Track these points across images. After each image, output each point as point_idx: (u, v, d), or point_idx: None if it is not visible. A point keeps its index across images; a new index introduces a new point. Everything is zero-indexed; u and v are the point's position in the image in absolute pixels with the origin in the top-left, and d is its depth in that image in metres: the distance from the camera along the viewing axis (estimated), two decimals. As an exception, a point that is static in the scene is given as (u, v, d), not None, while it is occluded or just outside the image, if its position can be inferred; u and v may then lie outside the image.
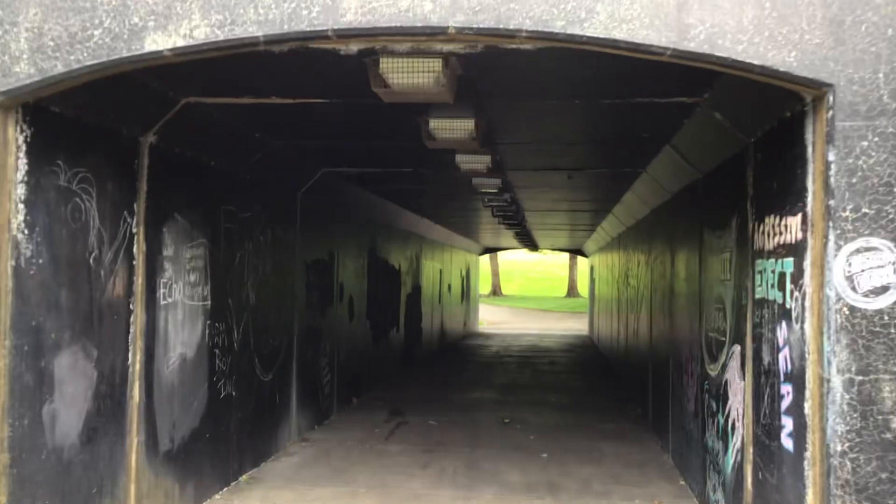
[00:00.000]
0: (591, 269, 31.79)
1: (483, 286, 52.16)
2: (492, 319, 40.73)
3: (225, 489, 8.42)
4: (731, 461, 6.83)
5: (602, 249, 24.35)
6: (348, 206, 13.28)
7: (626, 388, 15.91)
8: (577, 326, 37.53)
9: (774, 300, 5.50)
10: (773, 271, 5.56)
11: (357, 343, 14.32)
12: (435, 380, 17.41)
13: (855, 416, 4.39)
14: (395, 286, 17.90)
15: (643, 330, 13.51)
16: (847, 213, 4.45)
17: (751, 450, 6.15)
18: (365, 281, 14.94)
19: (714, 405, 7.57)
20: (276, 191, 10.00)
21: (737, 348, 6.74)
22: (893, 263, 4.39)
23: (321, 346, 12.08)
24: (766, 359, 5.69)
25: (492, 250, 37.47)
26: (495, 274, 61.04)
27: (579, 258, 52.45)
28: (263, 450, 9.63)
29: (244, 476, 8.90)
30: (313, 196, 11.32)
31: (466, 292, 31.72)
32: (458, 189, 13.35)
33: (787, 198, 5.21)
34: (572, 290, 59.83)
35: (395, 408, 13.62)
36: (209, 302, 8.04)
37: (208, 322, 8.03)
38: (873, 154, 4.45)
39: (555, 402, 14.70)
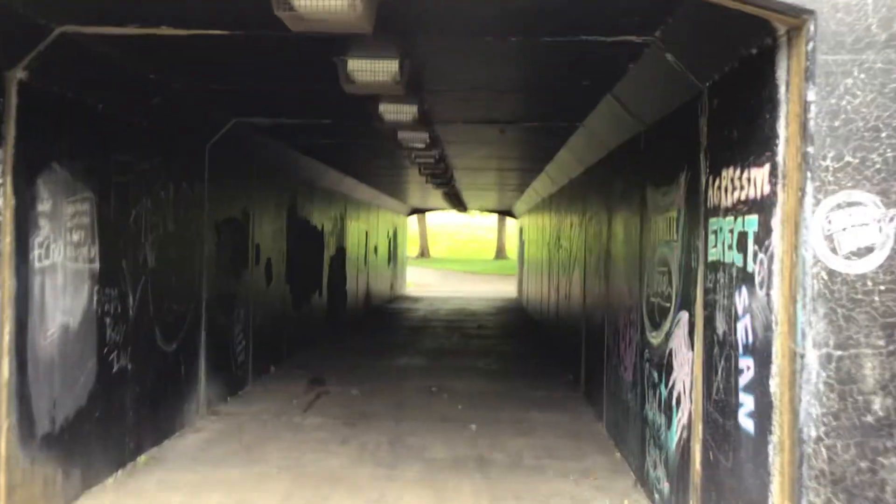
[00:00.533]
0: (521, 230, 31.35)
1: (411, 248, 51.49)
2: (420, 282, 40.11)
3: (119, 472, 7.56)
4: (676, 437, 6.29)
5: (532, 211, 23.84)
6: (265, 161, 12.33)
7: (558, 353, 15.45)
8: (505, 289, 37.19)
9: (732, 263, 4.90)
10: (730, 231, 4.96)
11: (275, 308, 13.46)
12: (360, 345, 16.68)
13: (832, 396, 3.81)
14: (317, 248, 17.02)
15: (576, 294, 13.00)
16: (828, 161, 3.83)
17: (700, 427, 5.59)
18: (284, 242, 14.04)
19: (656, 375, 7.02)
20: (180, 142, 9.03)
21: (684, 315, 6.17)
22: (879, 220, 3.80)
23: (235, 312, 11.20)
24: (721, 328, 5.11)
25: (420, 211, 36.70)
26: (423, 236, 60.40)
27: (508, 220, 52.17)
28: (167, 426, 8.77)
29: (142, 457, 8.04)
30: (224, 149, 10.36)
31: (394, 254, 30.96)
32: (383, 145, 12.52)
33: (752, 147, 4.58)
34: (500, 253, 59.61)
35: (316, 376, 12.84)
36: (97, 264, 7.10)
37: (97, 287, 7.10)
38: (859, 94, 3.83)
39: (483, 368, 14.14)
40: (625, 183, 8.74)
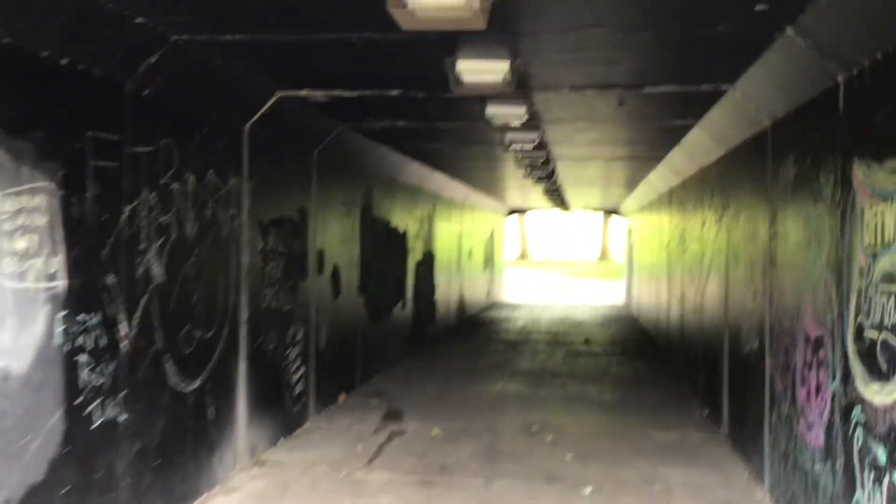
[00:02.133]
0: (629, 231, 28.59)
1: (510, 250, 49.16)
2: (519, 287, 37.72)
3: (104, 565, 5.55)
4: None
5: (645, 208, 21.15)
6: (329, 148, 10.26)
7: (685, 378, 12.85)
8: (611, 295, 34.40)
9: None
10: None
11: (346, 325, 11.39)
12: (448, 365, 14.47)
13: None
14: (399, 253, 14.92)
15: (712, 308, 10.44)
16: None
17: None
18: (357, 246, 11.96)
19: (880, 454, 4.53)
20: (204, 118, 7.01)
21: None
22: None
23: (289, 333, 9.15)
24: None
25: (519, 211, 34.31)
26: (523, 237, 57.95)
27: (613, 220, 49.20)
28: (187, 489, 6.74)
29: (143, 538, 6.02)
30: (271, 130, 8.33)
31: (490, 258, 28.70)
32: (471, 128, 10.31)
33: None
34: (604, 255, 56.60)
35: (392, 407, 10.70)
36: (62, 282, 5.09)
37: (62, 314, 5.09)
38: None
39: (595, 397, 11.70)
40: (804, 162, 6.22)
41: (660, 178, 15.87)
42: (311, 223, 9.83)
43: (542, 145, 11.76)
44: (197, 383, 6.92)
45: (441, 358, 15.24)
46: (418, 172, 15.40)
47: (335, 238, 10.88)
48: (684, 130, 10.20)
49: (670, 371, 13.94)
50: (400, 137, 11.32)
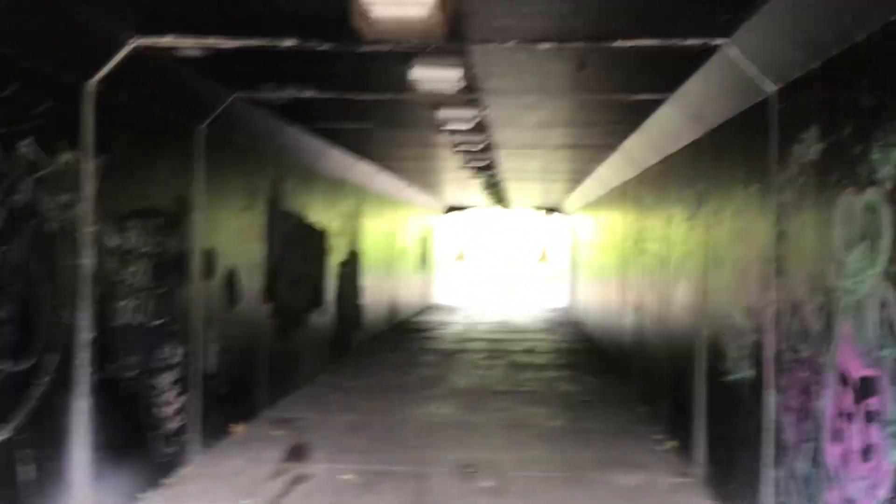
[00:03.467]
0: (573, 230, 27.10)
1: (448, 250, 47.47)
2: (457, 288, 36.05)
3: None
4: None
5: (592, 205, 19.60)
6: (221, 124, 8.33)
7: (643, 397, 11.24)
8: (553, 297, 32.94)
9: None
10: None
11: (246, 339, 9.46)
12: (373, 381, 12.61)
13: None
14: (318, 252, 13.00)
15: (682, 320, 8.80)
16: None
17: None
18: (263, 245, 10.04)
19: None
20: (16, 68, 5.05)
21: None
22: None
23: (161, 355, 7.20)
24: None
25: (457, 209, 32.62)
26: (462, 236, 56.34)
27: (555, 218, 47.90)
28: (-21, 586, 4.79)
29: None
30: (132, 93, 6.39)
31: (426, 258, 26.93)
32: (399, 104, 8.52)
33: None
34: (545, 255, 55.31)
35: (299, 441, 8.83)
36: None
37: None
38: None
39: (542, 423, 9.98)
40: (838, 133, 4.55)
41: (612, 171, 14.27)
42: (194, 216, 7.89)
43: (481, 128, 10.02)
44: (2, 435, 4.96)
45: (366, 372, 13.37)
46: (341, 161, 13.52)
47: (231, 235, 8.95)
48: (651, 108, 8.55)
49: (624, 388, 12.32)
50: (311, 113, 9.43)
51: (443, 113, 8.68)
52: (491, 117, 9.39)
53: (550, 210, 31.47)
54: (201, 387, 8.05)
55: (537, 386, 12.48)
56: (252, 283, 9.63)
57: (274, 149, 10.18)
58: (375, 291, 18.10)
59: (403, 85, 6.96)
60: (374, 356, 15.16)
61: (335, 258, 14.09)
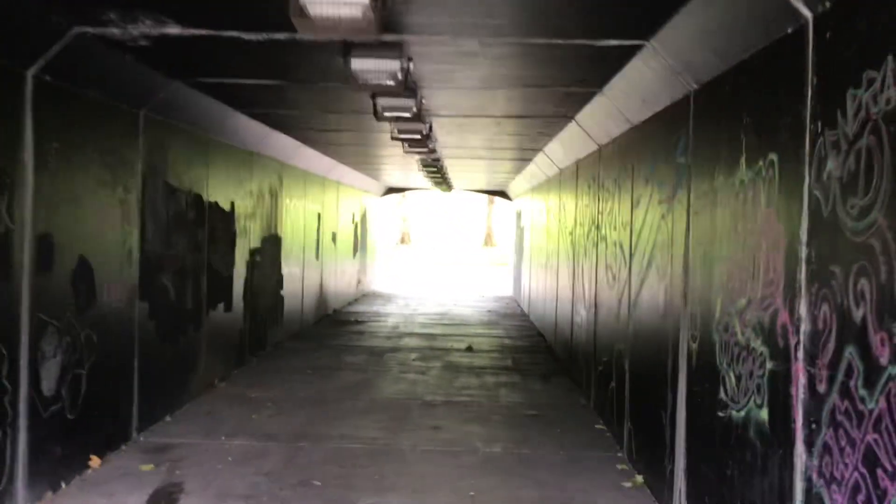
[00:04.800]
0: (518, 215, 25.45)
1: (387, 234, 45.66)
2: (396, 275, 34.22)
3: None
4: None
5: (540, 187, 17.91)
6: (62, 66, 6.34)
7: (601, 411, 9.57)
8: (497, 285, 31.32)
9: None
10: None
11: (108, 347, 7.48)
12: (285, 389, 10.71)
13: None
14: (222, 237, 11.02)
15: (650, 322, 7.11)
16: None
17: None
18: (134, 229, 8.05)
19: None
20: None
21: None
22: None
23: (-42, 379, 5.24)
24: None
25: (397, 191, 30.71)
26: (403, 219, 54.52)
27: (499, 202, 46.39)
28: None
29: None
30: None
31: (362, 243, 25.00)
32: (325, 67, 6.64)
33: None
34: (489, 240, 53.85)
35: (169, 479, 6.93)
36: None
37: None
38: None
39: (480, 449, 8.22)
40: None
41: (563, 149, 12.56)
42: (19, 192, 5.90)
43: (409, 88, 8.15)
44: None
45: (279, 377, 11.47)
46: (251, 130, 11.53)
47: (83, 217, 6.96)
48: (620, 60, 6.79)
49: (578, 399, 10.65)
50: (199, 63, 7.46)
51: (358, 63, 6.81)
52: (420, 72, 7.54)
53: (495, 193, 29.81)
54: (29, 416, 6.09)
55: (477, 395, 10.73)
56: (118, 277, 7.65)
57: (150, 108, 8.18)
58: (299, 280, 16.17)
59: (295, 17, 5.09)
60: (293, 357, 13.25)
61: (245, 244, 12.12)
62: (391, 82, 6.96)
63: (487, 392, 10.92)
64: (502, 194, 28.41)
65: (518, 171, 19.47)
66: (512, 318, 20.12)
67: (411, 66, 6.95)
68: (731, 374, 4.99)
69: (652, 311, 7.15)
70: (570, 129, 10.91)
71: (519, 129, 11.86)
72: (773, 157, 4.44)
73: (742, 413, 4.79)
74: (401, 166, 19.96)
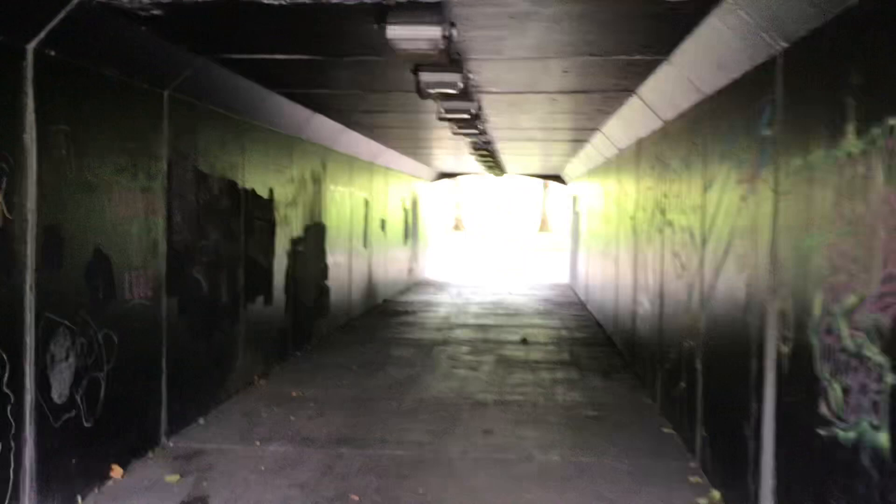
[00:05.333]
0: (574, 199, 24.53)
1: (441, 220, 45.05)
2: (450, 262, 33.55)
3: None
4: None
5: (597, 170, 17.01)
6: (68, 45, 5.75)
7: (669, 413, 8.75)
8: (553, 272, 30.44)
9: None
10: None
11: (133, 346, 6.93)
12: (328, 387, 10.10)
13: None
14: (259, 227, 10.44)
15: (728, 316, 6.27)
16: None
17: None
18: (160, 219, 7.47)
19: None
20: None
21: None
22: None
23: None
24: None
25: (449, 176, 29.99)
26: (457, 205, 53.83)
27: (554, 186, 45.43)
28: None
29: None
30: None
31: (413, 229, 24.36)
32: (359, 35, 5.95)
33: None
34: (545, 225, 52.87)
35: (195, 494, 6.35)
36: None
37: None
38: None
39: (536, 458, 7.47)
40: None
41: (623, 126, 11.69)
42: (18, 180, 5.33)
43: (454, 61, 7.42)
44: None
45: (323, 374, 10.87)
46: (291, 113, 10.92)
47: (101, 206, 6.38)
48: (695, 15, 5.95)
49: (642, 398, 9.83)
50: (229, 38, 6.83)
51: (394, 30, 6.09)
52: (465, 40, 6.78)
53: (550, 178, 28.89)
54: (35, 425, 5.53)
55: (532, 393, 9.98)
56: (141, 270, 7.08)
57: (176, 88, 7.58)
58: (346, 270, 15.58)
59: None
60: (339, 351, 12.66)
61: (286, 233, 11.53)
62: (432, 50, 6.21)
63: (543, 390, 10.16)
64: (557, 178, 27.50)
65: (573, 153, 18.59)
66: (568, 307, 19.28)
67: (454, 32, 6.20)
68: (836, 387, 4.17)
69: (730, 305, 6.31)
70: (632, 105, 10.04)
71: (575, 106, 11.02)
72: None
73: (851, 434, 3.97)
74: (452, 150, 19.24)
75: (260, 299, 10.42)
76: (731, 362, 6.24)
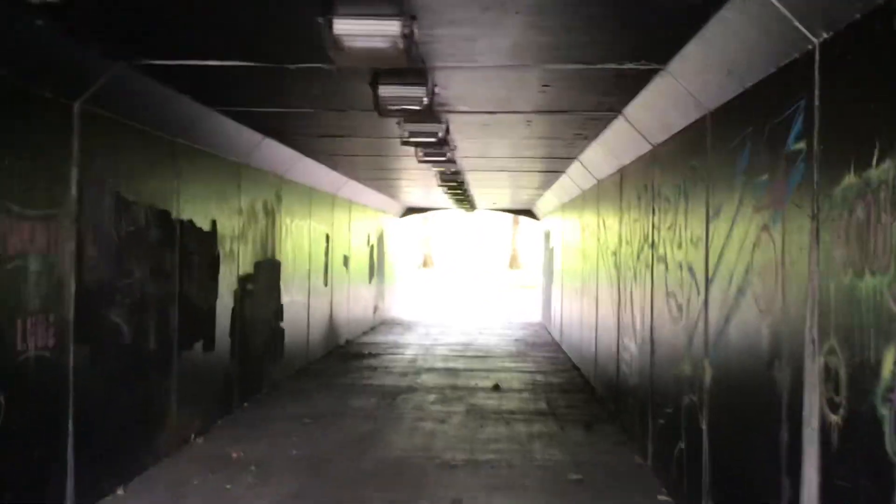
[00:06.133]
0: (547, 235, 23.57)
1: (409, 256, 43.95)
2: (418, 299, 32.38)
3: None
4: None
5: (573, 203, 16.05)
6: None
7: (665, 474, 7.64)
8: (524, 310, 29.38)
9: None
10: None
11: (26, 405, 5.69)
12: (275, 445, 8.87)
13: None
14: (201, 262, 9.24)
15: (748, 367, 5.19)
16: None
17: None
18: (67, 255, 6.28)
19: None
20: None
21: None
22: None
23: None
24: None
25: (418, 211, 28.94)
26: (425, 242, 52.78)
27: (524, 222, 44.59)
28: None
29: None
30: None
31: (379, 266, 23.22)
32: (302, 34, 4.90)
33: None
34: (515, 262, 51.96)
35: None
36: None
37: None
38: None
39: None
40: None
41: (604, 154, 10.73)
42: None
43: (417, 70, 6.38)
44: None
45: (271, 428, 9.64)
46: (237, 136, 9.82)
47: (-19, 236, 5.20)
48: (704, 11, 4.96)
49: (627, 452, 8.72)
50: (118, 23, 5.73)
51: (344, 25, 5.03)
52: (429, 39, 5.73)
53: (521, 212, 27.98)
54: None
55: (506, 450, 8.83)
56: (42, 315, 5.87)
57: (90, 99, 6.44)
58: (304, 309, 14.39)
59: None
60: (293, 400, 11.42)
61: (233, 270, 10.35)
62: (390, 50, 5.15)
63: (519, 447, 9.01)
64: (529, 213, 26.60)
65: (546, 185, 17.65)
66: (542, 347, 18.19)
67: (416, 28, 5.15)
68: (925, 476, 3.09)
69: (747, 356, 5.25)
70: (616, 128, 9.07)
71: (552, 130, 10.04)
72: None
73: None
74: (420, 183, 18.24)
75: (199, 345, 9.21)
76: (749, 426, 5.17)
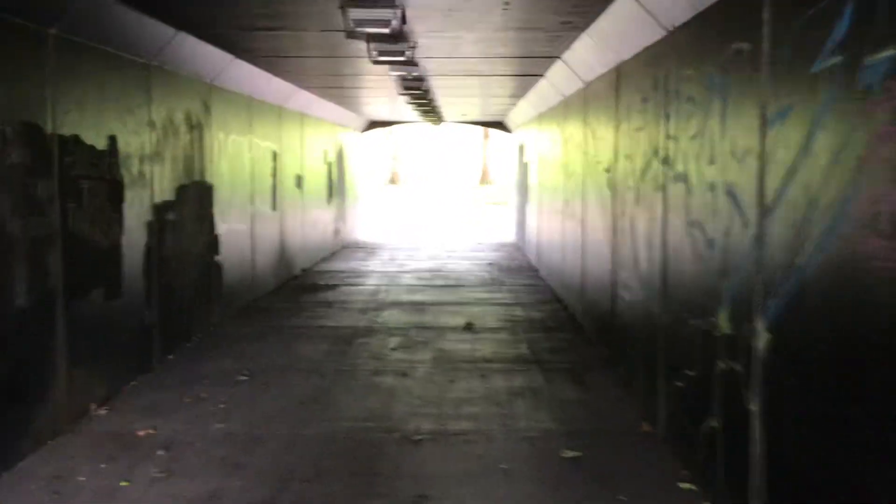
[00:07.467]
0: (521, 148, 21.68)
1: (375, 174, 41.95)
2: (383, 220, 30.56)
3: None
4: None
5: (556, 112, 14.15)
6: None
7: (680, 442, 6.02)
8: (496, 228, 27.70)
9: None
10: None
11: None
12: (199, 416, 7.14)
13: None
14: (96, 189, 7.30)
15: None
16: None
17: None
18: None
19: None
20: None
21: None
22: None
23: None
24: None
25: (382, 125, 26.82)
26: (392, 158, 50.67)
27: (495, 135, 42.70)
28: None
29: None
30: None
31: (339, 186, 21.27)
32: None
33: None
34: (485, 177, 50.12)
35: None
36: None
37: None
38: None
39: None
40: None
41: (596, 48, 8.83)
42: None
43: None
44: None
45: (195, 389, 7.89)
46: (138, 27, 7.76)
47: None
48: None
49: (630, 414, 7.11)
50: None
51: None
52: None
53: (492, 125, 26.01)
54: None
55: (483, 416, 7.18)
56: None
57: None
58: (247, 239, 12.53)
59: None
60: (229, 349, 9.67)
61: (144, 197, 8.43)
62: None
63: (498, 409, 7.37)
64: (500, 126, 24.65)
65: (522, 92, 15.72)
66: (518, 273, 16.53)
67: None
68: None
69: (848, 322, 3.53)
70: (616, 8, 7.16)
71: (533, 18, 8.09)
72: None
73: None
74: (382, 94, 16.27)
75: (98, 292, 7.36)
76: (850, 422, 3.50)
